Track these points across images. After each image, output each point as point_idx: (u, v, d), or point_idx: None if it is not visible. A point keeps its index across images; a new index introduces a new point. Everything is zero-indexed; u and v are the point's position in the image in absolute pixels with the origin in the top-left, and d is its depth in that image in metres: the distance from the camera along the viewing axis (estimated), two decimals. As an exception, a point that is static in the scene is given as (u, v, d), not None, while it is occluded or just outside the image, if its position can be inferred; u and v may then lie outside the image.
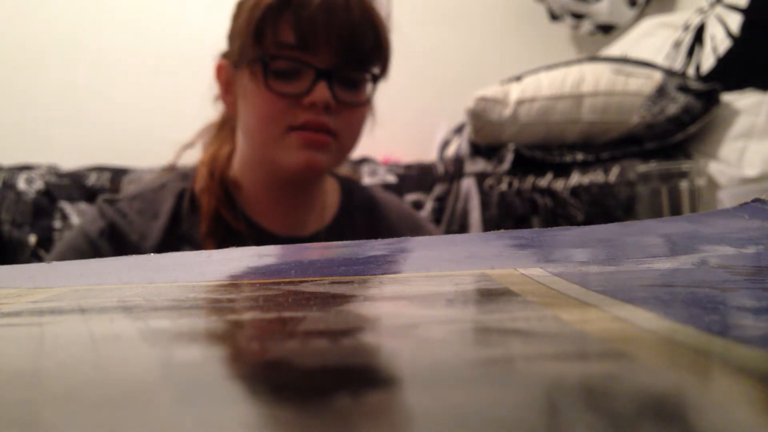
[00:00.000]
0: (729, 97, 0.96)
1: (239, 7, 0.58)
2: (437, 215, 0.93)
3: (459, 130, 1.22)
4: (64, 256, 0.59)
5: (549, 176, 0.93)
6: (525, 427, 0.08)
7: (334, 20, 0.54)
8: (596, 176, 0.92)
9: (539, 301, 0.16)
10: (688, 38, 1.11)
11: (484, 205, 0.91)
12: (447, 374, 0.11)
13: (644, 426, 0.08)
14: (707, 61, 1.04)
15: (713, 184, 0.90)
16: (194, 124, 0.72)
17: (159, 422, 0.09)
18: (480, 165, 0.96)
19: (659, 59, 1.14)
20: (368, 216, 0.69)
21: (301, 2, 0.53)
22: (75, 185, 0.92)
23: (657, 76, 0.97)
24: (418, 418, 0.09)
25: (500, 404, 0.09)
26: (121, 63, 1.75)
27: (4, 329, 0.16)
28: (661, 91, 0.95)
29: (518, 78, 1.03)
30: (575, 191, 0.91)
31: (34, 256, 0.84)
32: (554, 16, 1.83)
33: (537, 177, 0.93)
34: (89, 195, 0.92)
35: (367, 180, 0.94)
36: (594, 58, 1.09)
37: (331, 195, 0.68)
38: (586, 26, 1.76)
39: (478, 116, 0.97)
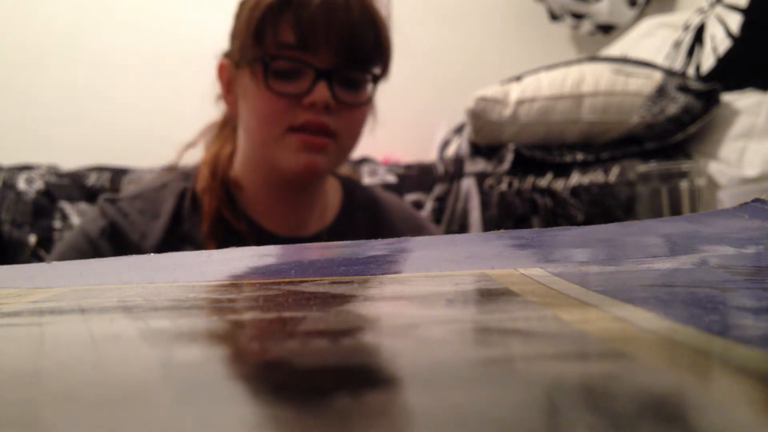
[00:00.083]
0: (729, 97, 0.96)
1: (241, 7, 0.58)
2: (437, 215, 0.93)
3: (459, 130, 1.22)
4: (64, 256, 0.59)
5: (549, 176, 0.93)
6: (525, 427, 0.08)
7: (334, 20, 0.54)
8: (596, 176, 0.92)
9: (539, 301, 0.16)
10: (688, 38, 1.11)
11: (484, 205, 0.91)
12: (447, 374, 0.11)
13: (644, 426, 0.08)
14: (707, 61, 1.04)
15: (713, 184, 0.90)
16: (194, 124, 0.72)
17: (159, 422, 0.09)
18: (480, 165, 0.96)
19: (659, 59, 1.14)
20: (370, 216, 0.69)
21: (301, 2, 0.53)
22: (75, 185, 0.92)
23: (657, 76, 0.97)
24: (418, 418, 0.09)
25: (500, 404, 0.09)
26: (121, 63, 1.75)
27: (4, 329, 0.16)
28: (661, 91, 0.95)
29: (518, 78, 1.03)
30: (575, 191, 0.91)
31: (34, 256, 0.84)
32: (554, 16, 1.83)
33: (537, 177, 0.93)
34: (89, 195, 0.92)
35: (367, 180, 0.94)
36: (594, 58, 1.09)
37: (332, 195, 0.68)
38: (586, 26, 1.76)
39: (478, 116, 0.97)
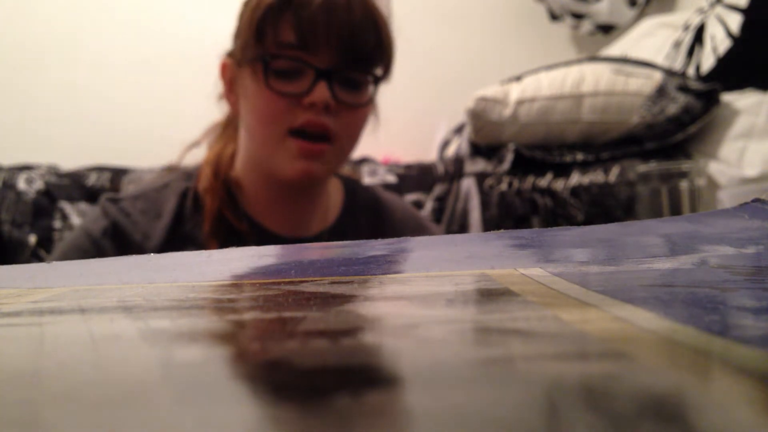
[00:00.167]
0: (729, 97, 0.96)
1: (244, 6, 0.58)
2: (437, 215, 0.93)
3: (459, 130, 1.22)
4: (67, 256, 0.59)
5: (549, 176, 0.93)
6: (525, 427, 0.08)
7: (335, 20, 0.54)
8: (596, 176, 0.92)
9: (539, 301, 0.16)
10: (688, 38, 1.11)
11: (484, 205, 0.91)
12: (447, 374, 0.11)
13: (644, 426, 0.08)
14: (707, 61, 1.04)
15: (713, 184, 0.90)
16: (194, 123, 0.72)
17: (159, 422, 0.09)
18: (480, 165, 0.96)
19: (659, 59, 1.14)
20: (372, 216, 0.69)
21: (301, 2, 0.53)
22: (75, 185, 0.92)
23: (657, 76, 0.97)
24: (418, 418, 0.09)
25: (500, 404, 0.09)
26: (121, 63, 1.75)
27: (4, 329, 0.16)
28: (661, 91, 0.95)
29: (518, 78, 1.03)
30: (575, 191, 0.91)
31: (34, 256, 0.84)
32: (554, 16, 1.83)
33: (537, 177, 0.93)
34: (89, 195, 0.92)
35: (367, 180, 0.94)
36: (594, 58, 1.09)
37: (334, 196, 0.67)
38: (586, 26, 1.76)
39: (478, 116, 0.97)
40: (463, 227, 0.91)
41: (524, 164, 0.94)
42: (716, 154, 0.92)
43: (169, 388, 0.10)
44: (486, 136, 1.00)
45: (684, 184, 0.90)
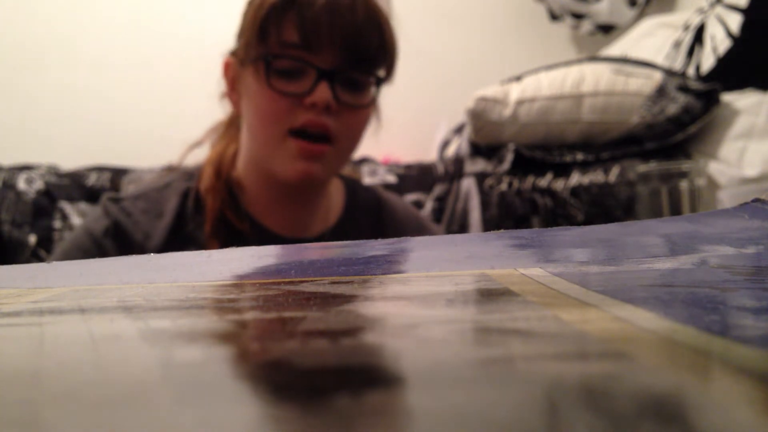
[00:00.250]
0: (729, 97, 0.96)
1: (248, 5, 0.58)
2: (437, 215, 0.93)
3: (459, 130, 1.22)
4: (68, 255, 0.59)
5: (549, 176, 0.93)
6: (525, 427, 0.08)
7: (338, 21, 0.54)
8: (596, 176, 0.92)
9: (539, 301, 0.16)
10: (688, 38, 1.11)
11: (484, 205, 0.91)
12: (447, 374, 0.11)
13: (644, 426, 0.08)
14: (707, 61, 1.04)
15: (713, 184, 0.90)
16: (194, 123, 0.72)
17: (159, 422, 0.09)
18: (480, 165, 0.96)
19: (659, 59, 1.14)
20: (373, 217, 0.68)
21: (305, 2, 0.53)
22: (75, 185, 0.92)
23: (657, 76, 0.97)
24: (418, 418, 0.09)
25: (500, 404, 0.09)
26: (121, 63, 1.75)
27: (4, 329, 0.16)
28: (661, 91, 0.95)
29: (518, 78, 1.03)
30: (575, 191, 0.91)
31: (34, 256, 0.84)
32: (554, 16, 1.83)
33: (537, 177, 0.93)
34: (89, 195, 0.92)
35: (367, 180, 0.94)
36: (594, 58, 1.09)
37: (335, 196, 0.67)
38: (586, 26, 1.76)
39: (478, 116, 0.97)
40: (463, 227, 0.91)
41: (524, 164, 0.94)
42: (716, 154, 0.92)
43: (169, 388, 0.10)
44: (486, 136, 1.00)
45: (684, 184, 0.90)
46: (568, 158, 0.94)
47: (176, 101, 1.68)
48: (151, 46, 1.76)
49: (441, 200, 0.94)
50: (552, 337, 0.13)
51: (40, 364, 0.12)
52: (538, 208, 0.91)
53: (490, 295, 0.18)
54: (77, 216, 0.88)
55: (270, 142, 0.57)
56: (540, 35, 1.89)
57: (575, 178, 0.92)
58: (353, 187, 0.70)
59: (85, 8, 1.76)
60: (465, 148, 1.06)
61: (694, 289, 0.17)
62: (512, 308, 0.16)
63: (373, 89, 0.60)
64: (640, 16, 1.66)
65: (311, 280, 0.21)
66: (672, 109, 0.94)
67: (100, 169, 0.97)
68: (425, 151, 1.49)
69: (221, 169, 0.63)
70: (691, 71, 1.07)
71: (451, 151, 1.19)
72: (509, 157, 0.94)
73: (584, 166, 0.94)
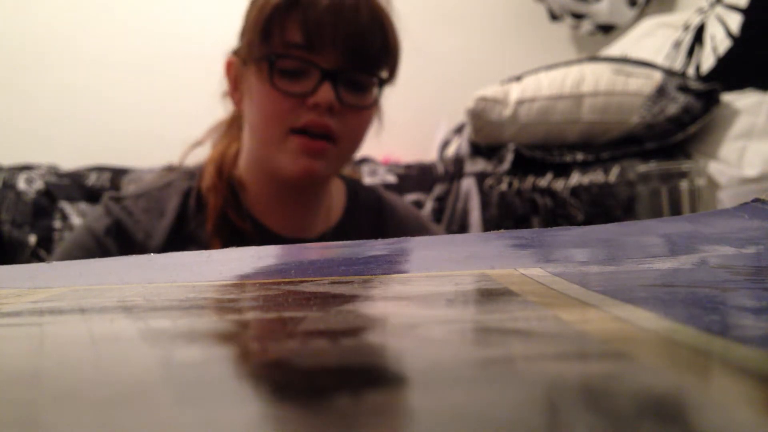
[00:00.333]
0: (729, 97, 0.96)
1: (251, 5, 0.58)
2: (437, 215, 0.93)
3: (459, 130, 1.22)
4: (70, 254, 0.59)
5: (549, 176, 0.93)
6: (525, 427, 0.08)
7: (342, 21, 0.54)
8: (596, 176, 0.92)
9: (539, 301, 0.16)
10: (688, 38, 1.11)
11: (484, 205, 0.91)
12: (447, 374, 0.11)
13: (644, 426, 0.08)
14: (707, 61, 1.04)
15: (713, 184, 0.90)
16: (194, 123, 0.72)
17: (159, 422, 0.09)
18: (480, 165, 0.96)
19: (659, 59, 1.14)
20: (374, 217, 0.68)
21: (309, 2, 0.53)
22: (75, 185, 0.92)
23: (657, 76, 0.97)
24: (418, 418, 0.09)
25: (500, 404, 0.09)
26: (121, 63, 1.75)
27: (4, 329, 0.16)
28: (661, 91, 0.95)
29: (518, 78, 1.03)
30: (575, 191, 0.91)
31: (34, 256, 0.84)
32: (554, 16, 1.83)
33: (537, 177, 0.93)
34: (89, 195, 0.92)
35: (367, 180, 0.94)
36: (594, 58, 1.09)
37: (336, 196, 0.67)
38: (586, 26, 1.76)
39: (478, 116, 0.97)
40: (463, 227, 0.91)
41: (524, 164, 0.94)
42: (716, 154, 0.92)
43: (169, 388, 0.10)
44: (486, 136, 1.00)
45: (684, 184, 0.90)
46: (568, 158, 0.94)
47: (176, 101, 1.68)
48: (151, 46, 1.76)
49: (441, 200, 0.94)
50: (552, 337, 0.13)
51: (40, 364, 0.12)
52: (538, 208, 0.91)
53: (490, 295, 0.18)
54: (77, 216, 0.88)
55: (272, 141, 0.57)
56: (540, 35, 1.89)
57: (575, 178, 0.92)
58: (354, 187, 0.70)
59: (85, 8, 1.76)
60: (465, 148, 1.06)
61: (694, 289, 0.17)
62: (512, 308, 0.16)
63: (375, 90, 0.60)
64: (640, 16, 1.66)
65: (311, 280, 0.21)
66: (672, 109, 0.94)
67: (100, 169, 0.97)
68: (425, 151, 1.49)
69: (223, 168, 0.63)
70: (691, 71, 1.07)
71: (451, 151, 1.19)
72: (509, 157, 0.94)
73: (584, 166, 0.94)
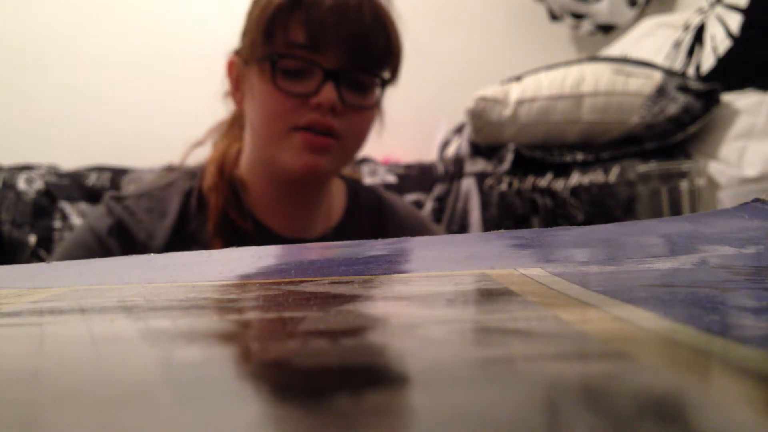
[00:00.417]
0: (729, 97, 0.96)
1: (253, 5, 0.58)
2: (437, 215, 0.93)
3: (459, 130, 1.22)
4: (72, 254, 0.59)
5: (549, 176, 0.93)
6: (525, 427, 0.08)
7: (345, 21, 0.54)
8: (596, 176, 0.92)
9: (539, 301, 0.16)
10: (688, 38, 1.11)
11: (484, 205, 0.91)
12: (447, 374, 0.11)
13: (644, 426, 0.08)
14: (707, 61, 1.04)
15: (713, 184, 0.90)
16: (194, 123, 0.72)
17: (159, 422, 0.09)
18: (480, 165, 0.96)
19: (659, 59, 1.14)
20: (375, 217, 0.68)
21: (312, 3, 0.53)
22: (75, 185, 0.92)
23: (657, 76, 0.97)
24: (418, 418, 0.09)
25: (500, 404, 0.09)
26: (121, 63, 1.75)
27: (4, 329, 0.16)
28: (661, 91, 0.95)
29: (518, 78, 1.03)
30: (575, 191, 0.91)
31: (34, 256, 0.84)
32: (554, 16, 1.83)
33: (537, 177, 0.93)
34: (89, 195, 0.92)
35: (367, 180, 0.94)
36: (594, 58, 1.09)
37: (337, 196, 0.67)
38: (586, 26, 1.76)
39: (478, 116, 0.97)
40: (463, 227, 0.91)
41: (524, 164, 0.94)
42: (716, 154, 0.92)
43: (169, 388, 0.10)
44: (486, 136, 1.00)
45: (684, 184, 0.90)
46: (568, 158, 0.94)
47: (176, 101, 1.68)
48: (152, 46, 1.76)
49: (441, 200, 0.94)
50: (552, 337, 0.13)
51: (40, 364, 0.12)
52: (538, 208, 0.91)
53: (490, 295, 0.18)
54: (77, 216, 0.88)
55: (274, 139, 0.57)
56: (540, 35, 1.89)
57: (575, 178, 0.92)
58: (355, 187, 0.70)
59: (85, 8, 1.76)
60: (465, 148, 1.06)
61: (694, 289, 0.17)
62: (512, 308, 0.16)
63: (378, 90, 0.60)
64: (640, 16, 1.66)
65: (311, 280, 0.21)
66: (672, 109, 0.94)
67: (100, 169, 0.97)
68: (425, 151, 1.49)
69: (224, 167, 0.63)
70: (691, 71, 1.07)
71: (451, 151, 1.19)
72: (509, 157, 0.94)
73: (584, 166, 0.94)
